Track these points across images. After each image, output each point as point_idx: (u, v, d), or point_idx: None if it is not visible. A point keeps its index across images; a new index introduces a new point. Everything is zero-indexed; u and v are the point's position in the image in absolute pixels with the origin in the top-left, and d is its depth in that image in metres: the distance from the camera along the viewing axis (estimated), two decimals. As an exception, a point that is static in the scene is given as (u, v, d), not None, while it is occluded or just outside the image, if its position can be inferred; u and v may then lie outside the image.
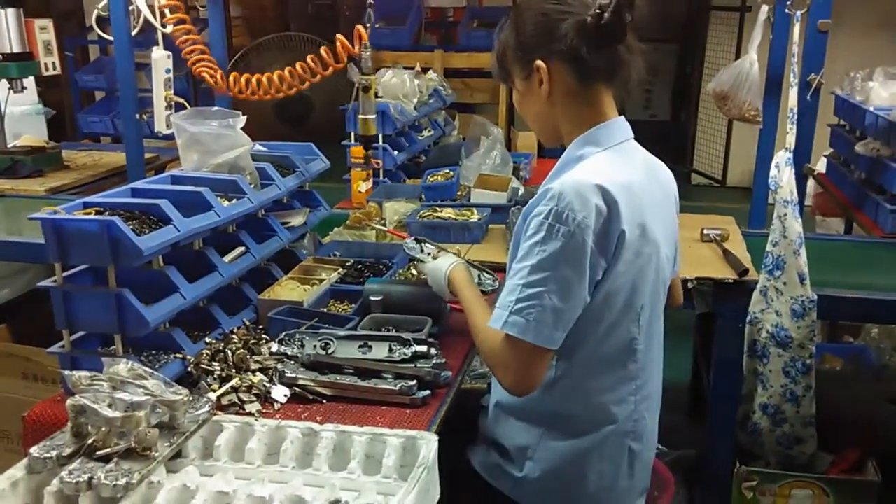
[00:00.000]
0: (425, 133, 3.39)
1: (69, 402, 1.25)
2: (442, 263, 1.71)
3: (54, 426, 1.39)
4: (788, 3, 2.01)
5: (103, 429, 1.22)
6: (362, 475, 1.25)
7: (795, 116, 1.97)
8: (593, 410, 1.48)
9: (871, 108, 2.81)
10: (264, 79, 2.46)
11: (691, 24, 8.00)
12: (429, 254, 1.81)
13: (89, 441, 1.23)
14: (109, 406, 1.24)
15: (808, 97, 1.98)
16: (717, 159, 6.93)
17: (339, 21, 8.11)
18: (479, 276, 1.79)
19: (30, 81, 3.77)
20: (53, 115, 4.71)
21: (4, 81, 3.23)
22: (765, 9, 2.30)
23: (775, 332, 2.02)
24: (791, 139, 1.96)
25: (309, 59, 2.44)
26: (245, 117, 1.87)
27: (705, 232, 2.39)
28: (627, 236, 1.37)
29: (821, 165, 3.49)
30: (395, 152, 3.05)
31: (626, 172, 1.42)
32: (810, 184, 3.57)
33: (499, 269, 1.77)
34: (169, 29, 2.38)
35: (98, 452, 1.22)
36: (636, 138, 1.52)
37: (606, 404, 1.47)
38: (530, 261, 1.34)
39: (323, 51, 2.44)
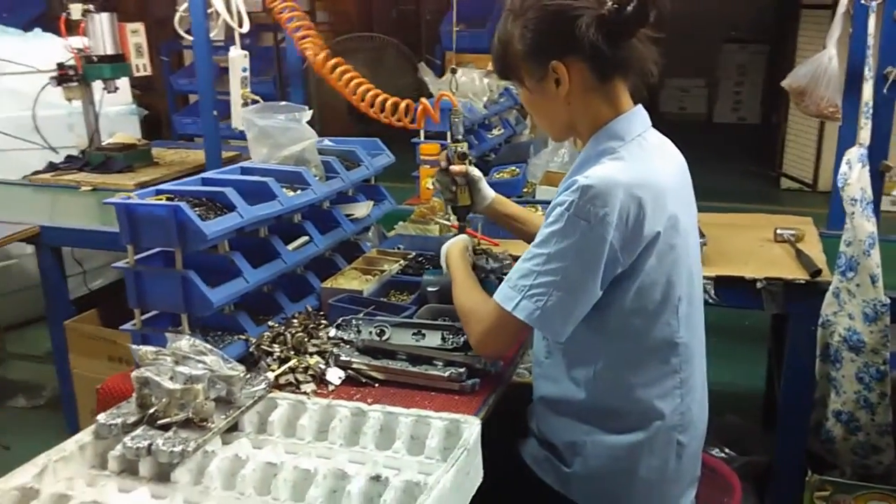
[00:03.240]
0: (495, 131, 3.40)
1: (134, 374, 1.33)
2: (447, 242, 1.76)
3: (123, 397, 1.47)
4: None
5: (164, 399, 1.29)
6: (406, 455, 1.28)
7: (871, 111, 1.89)
8: (638, 406, 1.46)
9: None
10: (362, 88, 2.50)
11: (782, 24, 7.73)
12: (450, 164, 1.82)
13: (151, 411, 1.30)
14: (171, 379, 1.31)
15: (885, 91, 1.90)
16: (807, 163, 6.65)
17: (421, 25, 8.23)
18: (486, 257, 1.82)
19: (124, 83, 4.00)
20: (150, 118, 4.96)
21: (99, 82, 3.43)
22: (844, 1, 2.21)
23: (848, 336, 1.94)
24: (865, 135, 1.88)
25: (391, 104, 2.48)
26: (311, 111, 1.94)
27: (779, 232, 2.31)
28: (660, 235, 1.36)
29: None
30: (465, 150, 3.07)
31: (652, 166, 1.40)
32: (901, 185, 3.40)
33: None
34: (245, 28, 2.47)
35: (159, 421, 1.29)
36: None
37: (651, 399, 1.45)
38: (547, 249, 1.35)
39: (404, 104, 2.48)
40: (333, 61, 2.46)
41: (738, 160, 7.58)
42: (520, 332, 1.46)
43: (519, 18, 1.40)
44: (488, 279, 1.76)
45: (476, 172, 1.81)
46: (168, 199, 1.61)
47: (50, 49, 3.88)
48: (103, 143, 3.60)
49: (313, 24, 2.71)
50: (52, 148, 3.66)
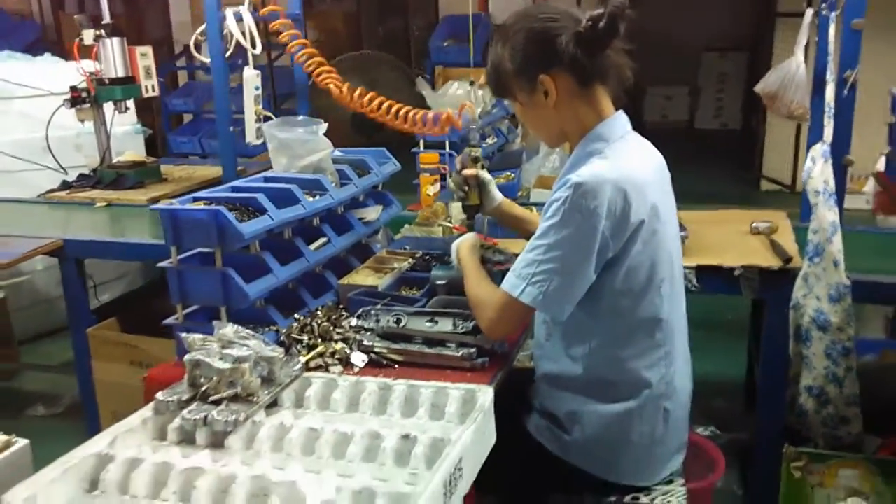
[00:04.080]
0: (489, 140, 3.59)
1: (187, 357, 1.50)
2: (457, 240, 1.94)
3: (167, 385, 1.64)
4: (823, 4, 2.14)
5: (215, 378, 1.47)
6: (429, 420, 1.46)
7: (832, 111, 2.10)
8: (629, 376, 1.65)
9: (924, 106, 2.88)
10: (385, 104, 2.69)
11: (759, 32, 8.00)
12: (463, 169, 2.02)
13: (203, 389, 1.48)
14: (220, 360, 1.49)
15: (845, 93, 2.11)
16: (786, 164, 6.90)
17: (410, 41, 8.45)
18: (492, 251, 2.02)
19: (131, 103, 4.17)
20: (147, 137, 5.13)
21: (111, 103, 3.61)
22: (809, 12, 2.43)
23: (816, 316, 2.14)
24: (828, 133, 2.09)
25: (420, 116, 2.67)
26: (326, 124, 2.13)
27: (754, 225, 2.52)
28: (644, 223, 1.56)
29: (880, 165, 3.54)
30: (461, 158, 3.27)
31: (634, 163, 1.60)
32: (871, 183, 3.63)
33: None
34: (258, 49, 2.66)
35: (211, 398, 1.47)
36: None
37: (640, 370, 1.65)
38: (547, 240, 1.55)
39: (431, 114, 2.68)
40: (358, 91, 2.66)
41: (720, 165, 7.83)
42: (526, 316, 1.65)
43: (508, 42, 1.62)
44: (495, 271, 1.96)
45: (486, 176, 2.00)
46: (205, 204, 1.79)
47: (57, 73, 4.06)
48: (114, 162, 3.77)
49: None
50: (63, 168, 3.82)
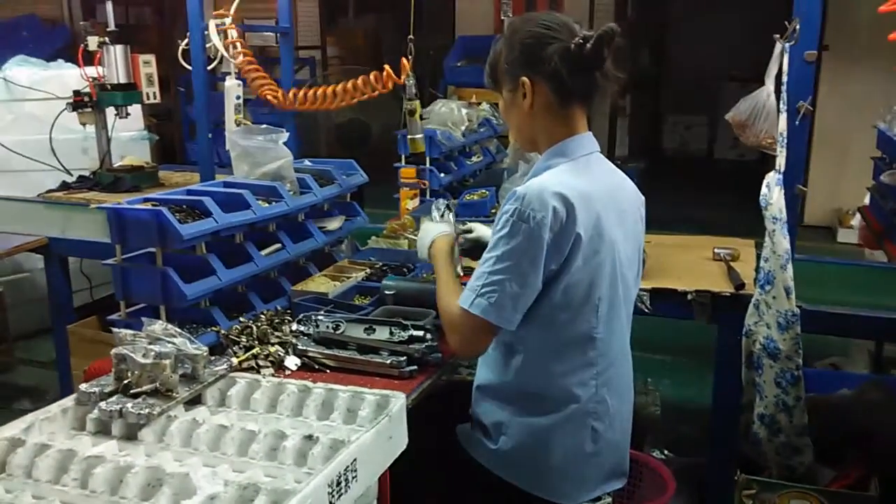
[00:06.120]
0: (475, 158, 3.64)
1: (113, 351, 1.55)
2: (434, 228, 1.93)
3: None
4: (777, 35, 2.16)
5: (137, 372, 1.52)
6: (342, 424, 1.49)
7: (785, 141, 2.10)
8: (557, 391, 1.66)
9: (904, 140, 2.87)
10: (319, 92, 2.76)
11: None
12: (441, 218, 2.00)
13: (126, 382, 1.52)
14: (143, 355, 1.53)
15: (797, 122, 2.11)
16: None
17: (427, 60, 8.55)
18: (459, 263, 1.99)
19: (136, 110, 4.28)
20: (166, 144, 5.23)
21: (112, 108, 3.71)
22: (778, 44, 2.43)
23: (766, 344, 2.13)
24: (781, 161, 2.10)
25: (360, 80, 2.72)
26: (287, 133, 2.19)
27: (716, 251, 2.52)
28: (583, 238, 1.58)
29: (867, 199, 3.51)
30: (441, 174, 3.32)
31: (585, 181, 1.62)
32: (857, 217, 3.61)
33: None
34: (239, 59, 2.74)
35: (132, 391, 1.51)
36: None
37: (569, 386, 1.66)
38: (496, 252, 1.57)
39: (372, 76, 2.73)
40: (292, 92, 2.73)
41: (735, 195, 7.77)
42: (485, 328, 1.60)
43: (509, 39, 1.68)
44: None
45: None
46: (154, 205, 1.85)
47: (69, 78, 4.19)
48: (114, 165, 3.86)
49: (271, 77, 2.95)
50: (67, 170, 3.93)
